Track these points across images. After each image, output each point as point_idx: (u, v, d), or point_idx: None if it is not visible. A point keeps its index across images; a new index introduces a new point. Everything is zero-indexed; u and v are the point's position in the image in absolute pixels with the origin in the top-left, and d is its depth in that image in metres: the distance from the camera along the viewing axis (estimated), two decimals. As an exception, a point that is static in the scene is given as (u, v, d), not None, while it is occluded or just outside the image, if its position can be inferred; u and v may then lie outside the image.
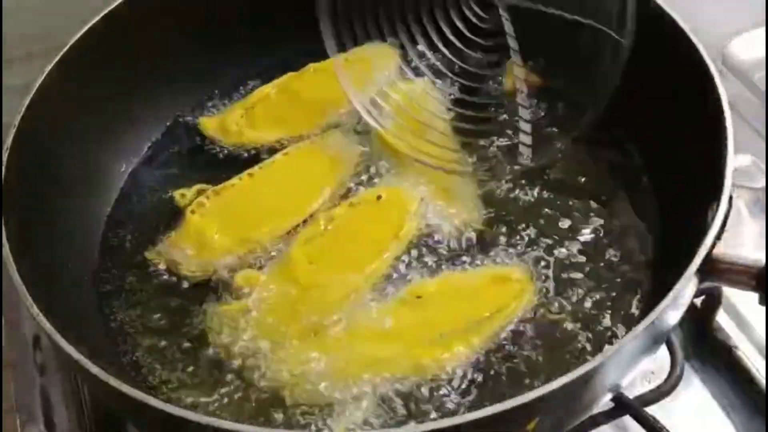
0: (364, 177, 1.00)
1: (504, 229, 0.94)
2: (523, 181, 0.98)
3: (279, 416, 0.81)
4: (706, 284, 0.76)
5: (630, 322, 0.85)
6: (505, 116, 1.03)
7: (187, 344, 0.88)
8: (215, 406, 0.82)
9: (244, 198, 0.99)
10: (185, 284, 0.93)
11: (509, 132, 1.01)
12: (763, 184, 1.08)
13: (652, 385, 0.88)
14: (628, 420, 0.86)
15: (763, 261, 0.73)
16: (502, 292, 0.87)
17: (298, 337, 0.85)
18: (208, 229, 0.95)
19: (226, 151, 1.06)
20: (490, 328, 0.84)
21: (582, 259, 0.91)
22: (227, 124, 1.07)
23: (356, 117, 1.04)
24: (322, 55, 1.02)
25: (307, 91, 1.09)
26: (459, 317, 0.85)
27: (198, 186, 1.01)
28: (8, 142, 0.85)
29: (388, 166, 1.01)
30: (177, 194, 1.00)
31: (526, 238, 0.92)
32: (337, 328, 0.86)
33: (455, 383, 0.81)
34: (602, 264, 0.90)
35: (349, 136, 1.05)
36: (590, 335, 0.84)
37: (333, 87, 1.05)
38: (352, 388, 0.81)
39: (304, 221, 0.96)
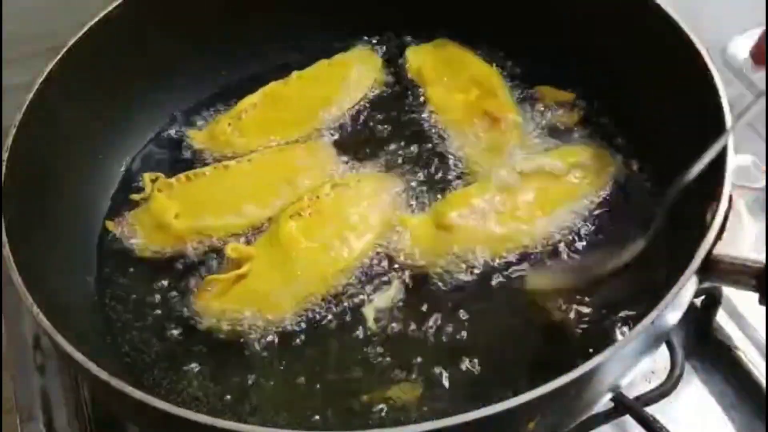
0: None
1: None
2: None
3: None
4: (706, 284, 0.76)
5: (630, 322, 0.85)
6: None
7: (189, 344, 0.88)
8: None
9: (212, 189, 0.99)
10: (185, 282, 0.93)
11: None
12: (763, 184, 1.08)
13: (652, 385, 0.88)
14: (628, 420, 0.86)
15: (763, 261, 0.73)
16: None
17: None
18: (169, 210, 0.96)
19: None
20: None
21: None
22: (216, 134, 1.06)
23: (342, 122, 1.06)
24: (303, 62, 1.11)
25: (292, 98, 1.09)
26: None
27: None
28: (8, 142, 0.86)
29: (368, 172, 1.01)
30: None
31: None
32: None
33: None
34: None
35: (331, 146, 1.04)
36: (589, 335, 0.84)
37: (318, 92, 1.08)
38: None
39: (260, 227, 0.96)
